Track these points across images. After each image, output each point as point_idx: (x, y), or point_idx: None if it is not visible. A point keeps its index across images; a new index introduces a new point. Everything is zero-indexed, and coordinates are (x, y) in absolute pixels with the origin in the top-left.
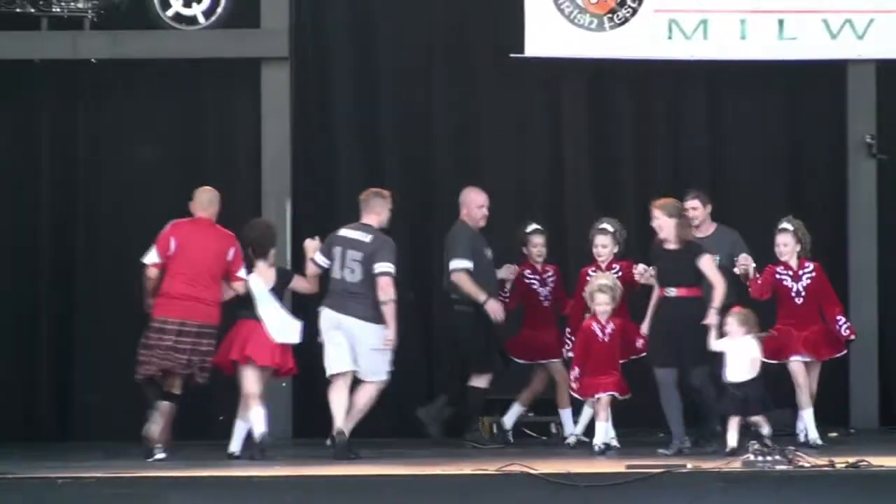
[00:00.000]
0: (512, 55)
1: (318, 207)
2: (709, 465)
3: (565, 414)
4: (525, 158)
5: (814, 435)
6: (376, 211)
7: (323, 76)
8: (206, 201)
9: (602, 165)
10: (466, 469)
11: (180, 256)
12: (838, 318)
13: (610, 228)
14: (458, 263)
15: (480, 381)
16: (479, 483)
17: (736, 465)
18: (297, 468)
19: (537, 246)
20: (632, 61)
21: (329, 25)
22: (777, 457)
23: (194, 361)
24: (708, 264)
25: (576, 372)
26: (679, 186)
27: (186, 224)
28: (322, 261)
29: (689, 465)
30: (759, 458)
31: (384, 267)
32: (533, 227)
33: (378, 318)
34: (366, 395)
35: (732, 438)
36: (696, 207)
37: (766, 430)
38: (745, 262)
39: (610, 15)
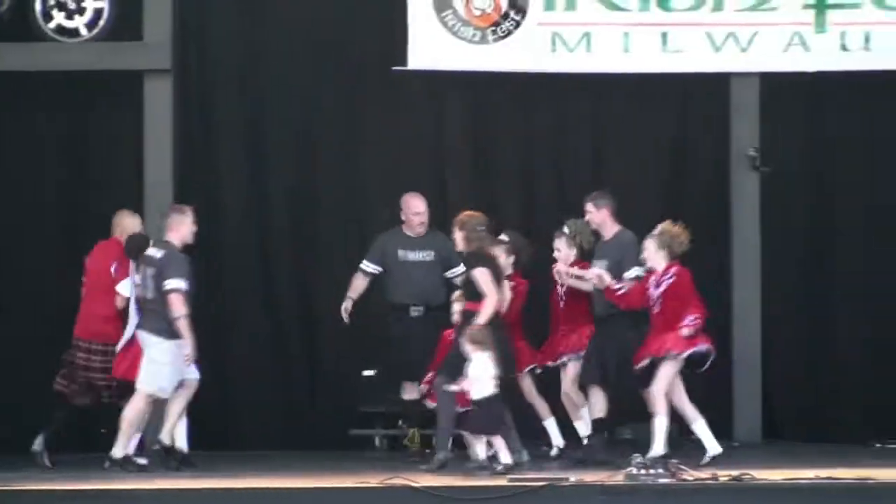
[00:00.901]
0: (395, 69)
1: (202, 222)
2: (591, 478)
3: (549, 424)
4: (409, 172)
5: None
6: (174, 227)
7: (206, 89)
8: (114, 224)
9: (486, 177)
10: (348, 482)
11: (87, 276)
12: (689, 317)
13: (566, 231)
14: (361, 265)
15: (413, 393)
16: (361, 496)
17: (619, 478)
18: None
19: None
20: (515, 74)
21: (214, 37)
22: (660, 470)
23: (91, 378)
24: (479, 277)
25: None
26: (564, 196)
27: (98, 244)
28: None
29: (572, 479)
30: (642, 472)
31: (172, 283)
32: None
33: (170, 333)
34: (132, 408)
35: (480, 452)
36: (589, 211)
37: (504, 455)
38: (592, 275)
39: (493, 28)
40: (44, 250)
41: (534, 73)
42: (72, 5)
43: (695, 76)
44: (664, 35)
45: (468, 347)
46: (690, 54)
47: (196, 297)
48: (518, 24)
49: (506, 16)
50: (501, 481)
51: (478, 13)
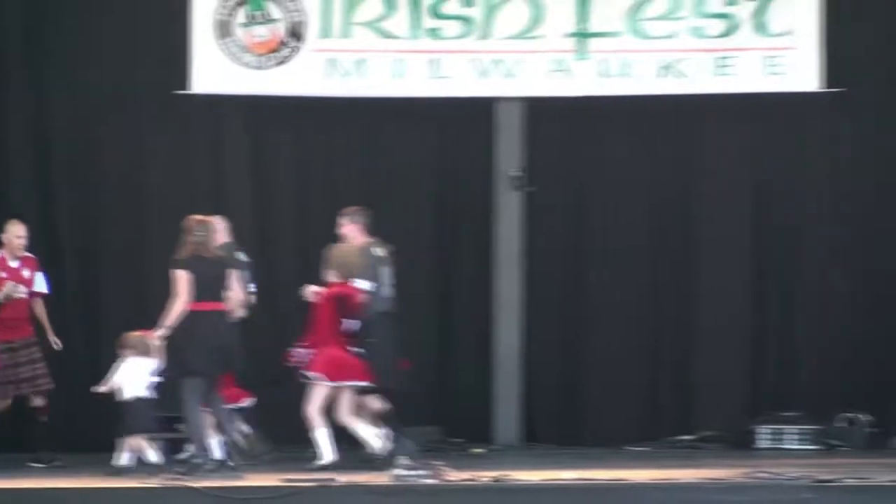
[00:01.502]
0: (176, 92)
1: None
2: (360, 479)
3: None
4: (193, 193)
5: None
6: None
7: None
8: None
9: (264, 197)
10: (131, 482)
11: None
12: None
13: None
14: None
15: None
16: (140, 497)
17: (384, 479)
18: None
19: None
20: (292, 98)
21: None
22: (424, 471)
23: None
24: (173, 277)
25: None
26: (334, 213)
27: None
28: None
29: (342, 480)
30: (407, 473)
31: None
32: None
33: None
34: None
35: (124, 459)
36: (343, 224)
37: (151, 454)
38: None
39: (272, 54)
40: None
41: (309, 97)
42: None
43: (463, 100)
44: (433, 62)
45: (120, 350)
46: (458, 80)
47: None
48: (296, 51)
49: (284, 43)
50: (273, 482)
51: (257, 40)
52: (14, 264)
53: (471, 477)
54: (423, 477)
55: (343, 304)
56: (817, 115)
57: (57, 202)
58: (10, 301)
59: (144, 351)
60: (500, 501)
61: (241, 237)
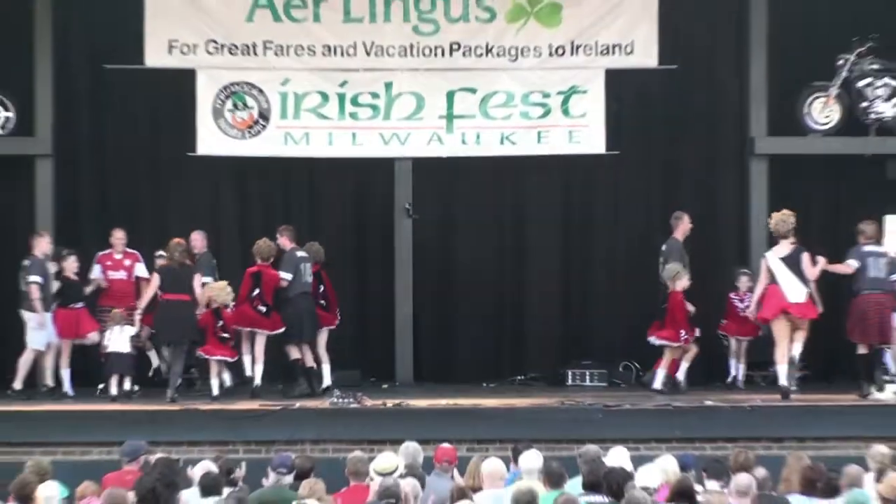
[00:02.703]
0: (188, 153)
1: None
2: (311, 404)
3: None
4: (194, 214)
5: None
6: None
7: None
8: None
9: (242, 217)
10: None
11: None
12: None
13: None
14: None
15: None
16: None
17: (326, 404)
18: None
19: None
20: (261, 157)
21: (92, 128)
22: (351, 399)
23: None
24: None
25: None
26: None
27: None
28: None
29: (297, 405)
30: (339, 400)
31: None
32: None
33: None
34: None
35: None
36: (279, 235)
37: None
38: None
39: (249, 129)
40: None
41: (272, 157)
42: None
43: (372, 160)
44: (353, 134)
45: (110, 321)
46: (369, 147)
47: None
48: (264, 128)
49: (256, 122)
50: (252, 405)
51: (239, 120)
52: (118, 257)
53: (381, 403)
54: (350, 403)
55: (259, 280)
56: (602, 167)
57: (112, 218)
58: (218, 305)
59: (124, 322)
60: (400, 419)
61: (223, 244)
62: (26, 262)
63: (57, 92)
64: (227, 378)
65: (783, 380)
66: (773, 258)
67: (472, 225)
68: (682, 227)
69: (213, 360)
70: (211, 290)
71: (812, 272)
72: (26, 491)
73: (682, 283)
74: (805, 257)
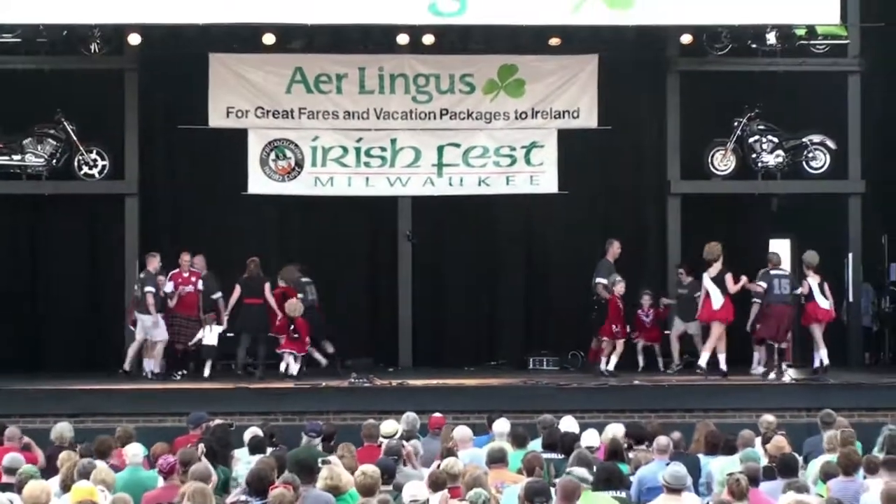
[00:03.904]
0: (242, 192)
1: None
2: (333, 384)
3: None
4: (241, 238)
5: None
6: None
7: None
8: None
9: (282, 239)
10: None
11: None
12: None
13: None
14: None
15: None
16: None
17: (345, 384)
18: None
19: None
20: (297, 196)
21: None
22: (365, 380)
23: None
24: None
25: None
26: (314, 250)
27: None
28: None
29: (323, 384)
30: (356, 380)
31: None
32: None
33: None
34: None
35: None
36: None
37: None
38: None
39: (288, 174)
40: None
41: (306, 196)
42: (92, 166)
43: (381, 198)
44: (367, 178)
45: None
46: (378, 188)
47: None
48: (299, 173)
49: (293, 169)
50: (289, 385)
51: (280, 168)
52: (185, 275)
53: (387, 383)
54: (364, 383)
55: (286, 297)
56: (556, 202)
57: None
58: (294, 314)
59: (214, 323)
60: (402, 395)
61: (266, 264)
62: (142, 275)
63: (141, 144)
64: (295, 367)
65: (704, 362)
66: (706, 278)
67: (457, 248)
68: (613, 250)
69: (286, 353)
70: (287, 305)
71: (733, 287)
72: (104, 447)
73: (619, 289)
74: (728, 277)
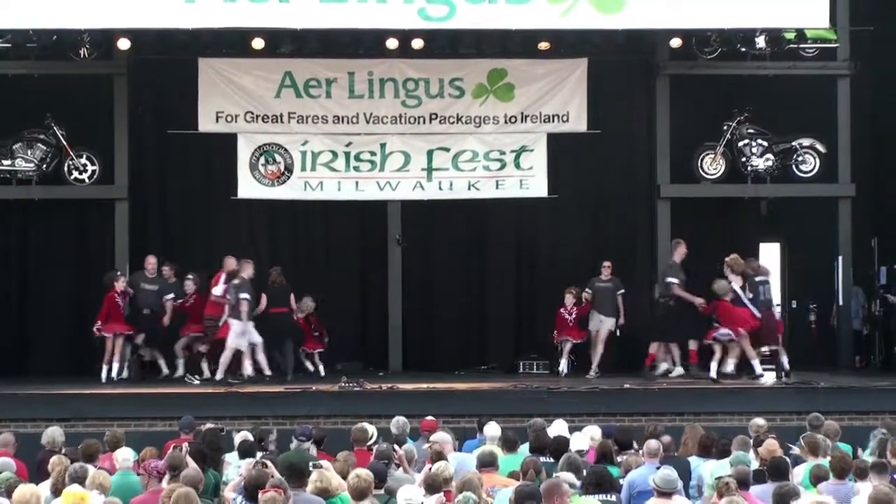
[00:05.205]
0: (231, 197)
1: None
2: (323, 388)
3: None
4: (232, 241)
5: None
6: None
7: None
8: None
9: (271, 243)
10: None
11: None
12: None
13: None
14: None
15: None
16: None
17: (335, 388)
18: None
19: None
20: (286, 200)
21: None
22: (355, 384)
23: None
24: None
25: None
26: (304, 253)
27: None
28: None
29: (314, 388)
30: (346, 384)
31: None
32: None
33: None
34: None
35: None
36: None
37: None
38: None
39: (277, 179)
40: None
41: (295, 200)
42: (81, 170)
43: (371, 202)
44: (356, 182)
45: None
46: (369, 192)
47: None
48: (289, 177)
49: (283, 173)
50: (279, 389)
51: (269, 172)
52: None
53: (377, 386)
54: (354, 387)
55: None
56: (545, 206)
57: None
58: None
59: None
60: (392, 399)
61: (257, 267)
62: (236, 282)
63: (131, 149)
64: (321, 365)
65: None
66: (736, 286)
67: (446, 252)
68: (680, 250)
69: (315, 354)
70: (301, 305)
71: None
72: (91, 451)
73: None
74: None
